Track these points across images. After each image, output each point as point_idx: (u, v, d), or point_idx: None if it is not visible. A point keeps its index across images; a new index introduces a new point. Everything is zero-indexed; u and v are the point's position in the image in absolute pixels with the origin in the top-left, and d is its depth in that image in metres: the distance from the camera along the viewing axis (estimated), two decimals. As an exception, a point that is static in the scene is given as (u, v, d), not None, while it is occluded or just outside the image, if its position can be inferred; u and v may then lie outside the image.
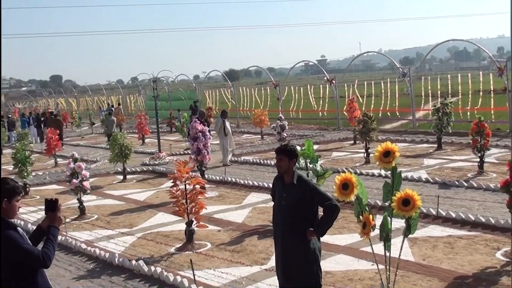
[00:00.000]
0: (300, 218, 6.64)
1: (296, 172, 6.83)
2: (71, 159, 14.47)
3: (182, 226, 11.54)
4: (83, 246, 11.53)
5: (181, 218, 11.38)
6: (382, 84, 34.14)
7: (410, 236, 6.72)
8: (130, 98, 59.34)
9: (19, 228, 5.17)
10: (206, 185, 13.97)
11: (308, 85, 41.13)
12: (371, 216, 6.55)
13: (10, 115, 47.77)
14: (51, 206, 5.32)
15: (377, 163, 6.60)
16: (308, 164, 11.19)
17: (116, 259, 10.37)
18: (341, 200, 6.61)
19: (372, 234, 6.51)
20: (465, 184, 14.57)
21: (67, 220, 13.88)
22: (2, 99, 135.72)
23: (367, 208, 6.68)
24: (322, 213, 6.71)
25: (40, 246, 5.19)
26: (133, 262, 10.09)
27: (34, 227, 5.25)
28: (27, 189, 17.35)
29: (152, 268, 9.64)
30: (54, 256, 9.35)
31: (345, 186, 6.51)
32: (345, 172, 6.64)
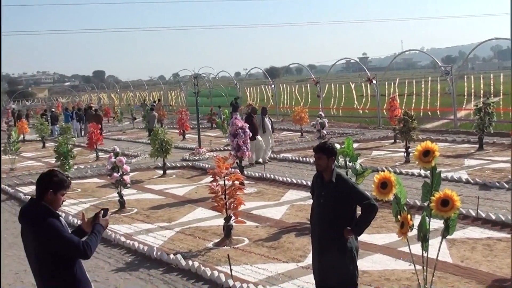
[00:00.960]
0: (337, 217, 6.62)
1: (335, 170, 6.79)
2: (112, 153, 14.67)
3: (221, 222, 11.60)
4: (122, 239, 11.70)
5: (219, 213, 11.46)
6: (423, 82, 33.81)
7: (448, 237, 6.69)
8: (171, 94, 59.75)
9: (61, 218, 5.30)
10: (245, 182, 14.02)
11: (350, 83, 40.93)
12: (409, 216, 6.53)
13: (53, 109, 48.45)
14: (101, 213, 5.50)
15: (417, 162, 6.58)
16: (348, 163, 11.18)
17: (155, 253, 10.49)
18: (380, 199, 6.60)
19: (410, 234, 6.50)
20: (506, 185, 14.36)
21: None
22: (46, 94, 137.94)
23: (405, 208, 6.66)
24: (360, 212, 6.69)
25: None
26: (171, 256, 10.20)
27: (75, 219, 5.40)
28: (69, 182, 17.60)
29: (190, 262, 9.73)
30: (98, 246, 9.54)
31: (384, 185, 6.50)
32: (384, 171, 6.64)
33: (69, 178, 5.62)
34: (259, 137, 20.78)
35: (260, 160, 20.69)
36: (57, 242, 5.05)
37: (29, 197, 16.47)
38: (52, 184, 5.26)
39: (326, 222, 6.67)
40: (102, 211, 5.50)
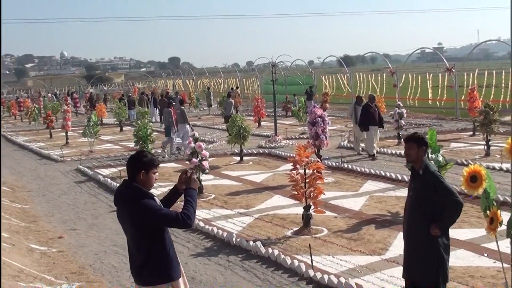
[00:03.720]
0: (424, 211, 6.39)
1: (425, 162, 6.58)
2: (191, 139, 14.80)
3: (299, 210, 11.57)
4: (201, 224, 11.79)
5: (297, 201, 11.43)
6: (504, 74, 32.80)
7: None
8: (247, 81, 59.94)
9: (156, 198, 5.44)
10: (323, 171, 13.92)
11: (427, 73, 40.13)
12: (499, 212, 6.34)
13: (130, 94, 49.18)
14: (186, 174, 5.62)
15: (507, 155, 6.38)
16: (430, 154, 10.98)
17: (234, 239, 10.54)
18: (469, 193, 6.42)
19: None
20: None
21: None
22: (122, 79, 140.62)
23: (494, 203, 6.46)
24: (445, 208, 6.39)
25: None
26: (251, 243, 10.22)
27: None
28: (158, 160, 17.87)
29: (269, 250, 9.72)
30: (175, 230, 9.68)
31: (474, 179, 6.33)
32: (467, 164, 6.46)
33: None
34: (373, 128, 19.41)
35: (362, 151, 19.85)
36: (155, 219, 5.22)
37: (108, 179, 16.93)
38: (143, 164, 5.41)
39: (413, 215, 6.51)
40: (184, 175, 5.61)
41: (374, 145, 19.34)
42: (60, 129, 30.62)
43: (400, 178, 14.71)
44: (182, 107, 23.47)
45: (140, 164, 5.40)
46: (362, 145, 20.21)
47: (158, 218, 5.21)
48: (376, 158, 18.98)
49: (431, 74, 40.83)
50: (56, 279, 9.22)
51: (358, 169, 16.76)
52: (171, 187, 5.89)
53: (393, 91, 37.44)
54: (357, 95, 23.16)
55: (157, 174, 5.58)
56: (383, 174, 15.66)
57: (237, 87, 50.73)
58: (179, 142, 22.63)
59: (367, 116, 19.32)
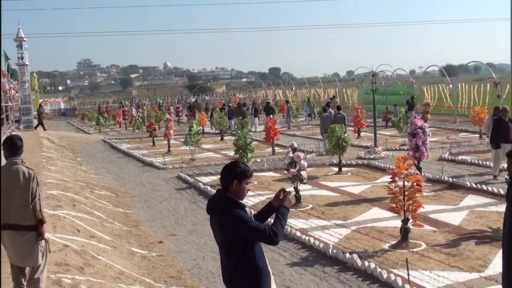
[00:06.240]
0: None
1: None
2: (290, 149, 14.88)
3: (397, 223, 11.44)
4: (298, 233, 11.87)
5: (396, 214, 11.31)
6: None
7: None
8: (346, 91, 59.54)
9: (247, 209, 5.49)
10: (422, 184, 13.69)
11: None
12: None
13: (230, 104, 49.84)
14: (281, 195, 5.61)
15: None
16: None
17: (330, 250, 10.54)
18: None
19: None
20: None
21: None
22: (224, 89, 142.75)
23: None
24: None
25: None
26: (347, 255, 10.19)
27: (252, 211, 5.62)
28: (251, 171, 18.09)
29: (366, 263, 9.67)
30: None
31: None
32: None
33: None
34: (506, 145, 16.53)
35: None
36: (244, 230, 5.26)
37: (208, 186, 17.25)
38: (236, 174, 5.47)
39: (514, 233, 6.32)
40: (282, 194, 5.60)
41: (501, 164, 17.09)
42: (162, 137, 31.57)
43: (502, 192, 14.22)
44: (340, 112, 25.49)
45: (233, 174, 5.47)
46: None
47: (247, 230, 5.26)
48: (497, 178, 16.92)
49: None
50: (155, 282, 9.47)
51: (459, 183, 16.39)
52: (270, 195, 5.95)
53: (496, 102, 36.31)
54: (495, 106, 20.66)
55: (250, 184, 5.62)
56: (485, 188, 15.25)
57: (334, 97, 50.35)
58: None
59: (498, 132, 17.08)
